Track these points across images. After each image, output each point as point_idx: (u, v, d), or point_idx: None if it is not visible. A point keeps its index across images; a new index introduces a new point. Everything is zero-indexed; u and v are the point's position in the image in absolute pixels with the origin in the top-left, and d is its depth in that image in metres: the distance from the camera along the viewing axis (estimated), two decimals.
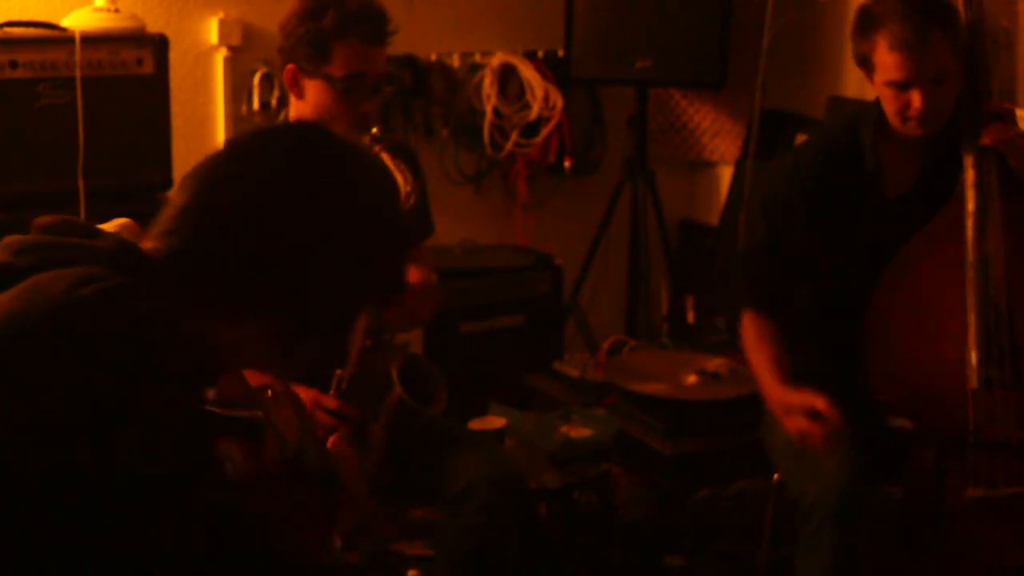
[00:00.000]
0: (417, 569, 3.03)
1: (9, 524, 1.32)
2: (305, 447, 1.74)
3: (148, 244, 1.49)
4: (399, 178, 2.61)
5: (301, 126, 1.64)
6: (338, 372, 2.61)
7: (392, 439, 2.63)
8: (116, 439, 1.32)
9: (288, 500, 1.70)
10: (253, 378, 1.82)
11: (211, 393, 1.54)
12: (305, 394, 2.58)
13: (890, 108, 2.64)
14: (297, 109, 2.75)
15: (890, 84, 2.60)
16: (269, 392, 1.78)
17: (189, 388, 1.42)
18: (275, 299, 1.49)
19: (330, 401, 2.60)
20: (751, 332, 2.77)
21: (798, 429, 2.52)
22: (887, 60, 2.58)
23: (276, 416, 1.73)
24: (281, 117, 2.82)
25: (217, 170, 1.52)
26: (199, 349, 1.44)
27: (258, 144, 1.56)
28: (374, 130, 2.70)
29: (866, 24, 2.63)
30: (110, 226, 1.56)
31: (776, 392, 2.63)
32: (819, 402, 2.49)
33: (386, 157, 2.64)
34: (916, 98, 2.59)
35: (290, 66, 2.71)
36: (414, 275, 2.73)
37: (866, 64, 2.65)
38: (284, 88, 2.79)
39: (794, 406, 2.54)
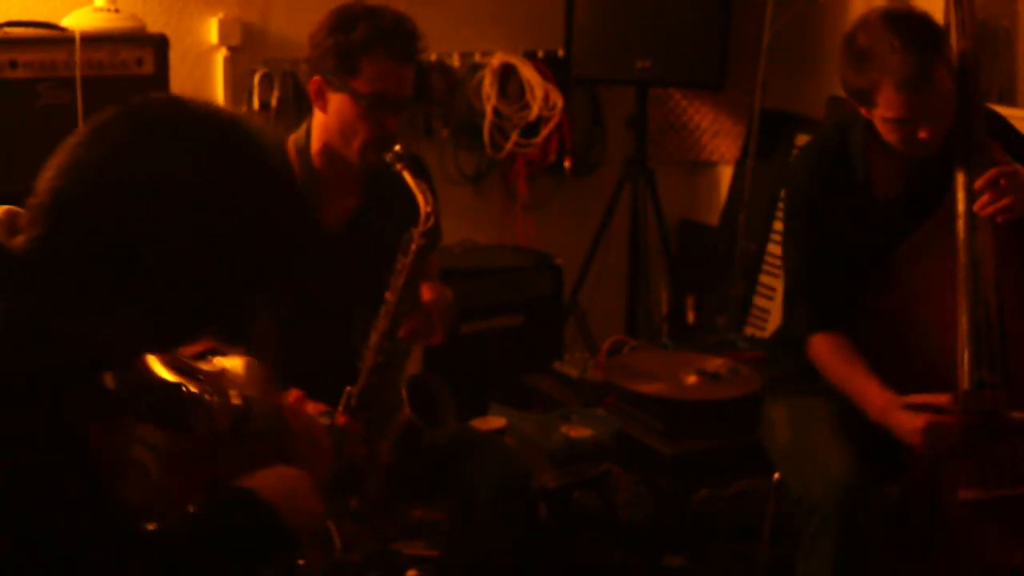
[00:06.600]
0: (417, 569, 3.03)
1: None
2: (249, 410, 1.70)
3: (19, 238, 1.45)
4: (420, 198, 2.58)
5: (164, 105, 1.50)
6: (348, 389, 2.61)
7: (399, 457, 2.63)
8: None
9: (237, 464, 1.67)
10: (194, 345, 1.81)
11: (113, 380, 1.51)
12: (313, 409, 2.58)
13: (893, 137, 2.60)
14: (319, 121, 2.68)
15: (895, 120, 2.58)
16: (209, 362, 1.75)
17: (37, 401, 1.37)
18: (144, 293, 1.43)
19: (339, 417, 2.59)
20: (829, 352, 2.71)
21: (927, 425, 2.50)
22: (894, 100, 2.53)
23: (214, 387, 1.68)
24: (303, 128, 2.72)
25: (72, 158, 1.45)
26: (58, 350, 1.39)
27: (112, 130, 1.46)
28: (397, 147, 2.61)
29: (861, 59, 2.56)
30: None
31: (885, 398, 2.58)
32: (942, 397, 2.52)
33: (407, 176, 2.61)
34: (924, 131, 2.56)
35: (316, 77, 2.63)
36: (429, 293, 2.72)
37: (864, 98, 2.60)
38: (287, 91, 2.76)
39: (918, 404, 2.53)
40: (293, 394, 1.96)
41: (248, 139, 1.49)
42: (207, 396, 1.66)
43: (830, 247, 2.73)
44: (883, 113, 2.57)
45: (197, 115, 1.49)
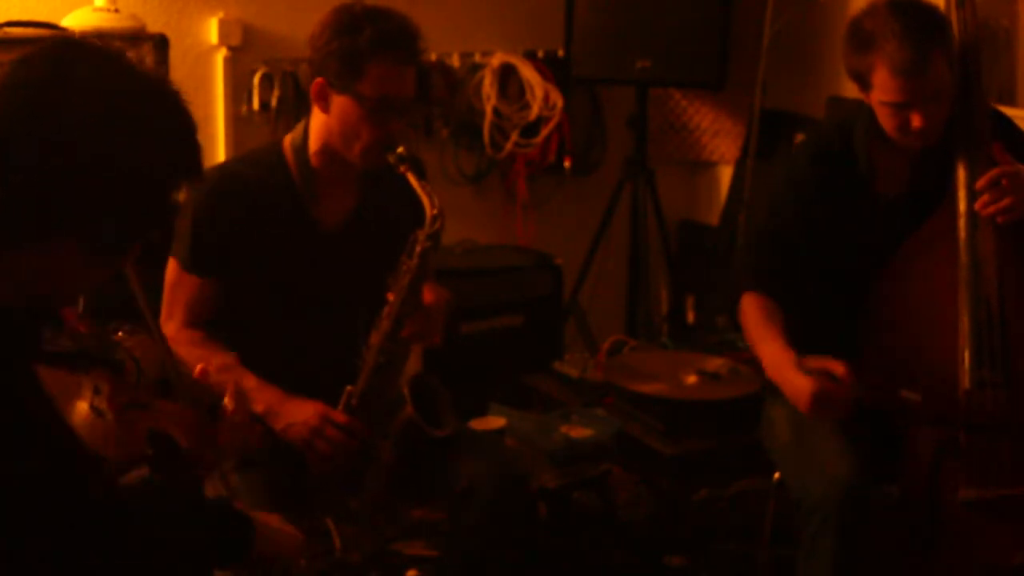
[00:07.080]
0: (417, 569, 3.03)
1: None
2: (167, 374, 1.87)
3: None
4: (426, 201, 2.58)
5: (55, 48, 1.58)
6: (348, 388, 2.61)
7: (399, 456, 2.63)
8: None
9: (164, 418, 1.82)
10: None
11: (50, 335, 1.62)
12: (314, 408, 2.58)
13: (888, 124, 2.63)
14: (320, 121, 2.65)
15: (889, 104, 2.59)
16: (123, 331, 1.90)
17: None
18: (68, 212, 1.51)
19: (339, 416, 2.59)
20: (753, 309, 2.70)
21: (815, 390, 2.47)
22: (888, 83, 2.56)
23: (136, 350, 1.85)
24: (300, 128, 2.70)
25: None
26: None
27: (10, 72, 1.54)
28: (400, 149, 2.59)
29: (861, 41, 2.59)
30: None
31: (787, 358, 2.56)
32: (837, 366, 2.48)
33: (411, 178, 2.60)
34: (916, 118, 2.58)
35: (318, 80, 2.59)
36: (430, 294, 2.72)
37: (862, 81, 2.63)
38: (286, 91, 2.75)
39: (813, 368, 2.50)
40: (197, 369, 2.03)
41: (130, 66, 1.59)
42: (134, 350, 1.84)
43: (801, 234, 2.73)
44: (878, 96, 2.60)
45: (82, 48, 1.58)
